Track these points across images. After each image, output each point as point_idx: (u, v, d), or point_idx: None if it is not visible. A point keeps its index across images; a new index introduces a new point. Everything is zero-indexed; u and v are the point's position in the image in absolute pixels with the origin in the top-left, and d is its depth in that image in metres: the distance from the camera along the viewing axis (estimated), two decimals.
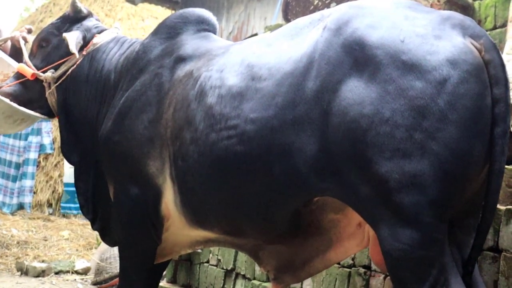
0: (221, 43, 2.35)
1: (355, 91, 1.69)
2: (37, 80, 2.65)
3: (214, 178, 1.95)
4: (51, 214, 8.91)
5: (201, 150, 1.97)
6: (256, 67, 1.94)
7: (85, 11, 2.75)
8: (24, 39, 2.97)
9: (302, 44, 1.89)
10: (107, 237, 2.58)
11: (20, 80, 2.68)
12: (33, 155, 5.31)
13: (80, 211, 4.92)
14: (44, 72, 2.65)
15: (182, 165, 2.05)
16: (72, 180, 4.89)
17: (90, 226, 7.93)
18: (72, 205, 4.85)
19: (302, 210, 1.88)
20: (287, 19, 3.22)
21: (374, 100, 1.64)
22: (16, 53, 3.10)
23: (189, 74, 2.16)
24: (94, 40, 2.66)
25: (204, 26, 2.46)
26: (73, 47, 2.54)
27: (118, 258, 4.79)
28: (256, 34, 7.16)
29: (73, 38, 2.57)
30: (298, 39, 1.95)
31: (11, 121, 2.63)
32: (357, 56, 1.72)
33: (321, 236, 1.95)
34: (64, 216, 8.99)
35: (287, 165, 1.79)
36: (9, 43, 3.26)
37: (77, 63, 2.60)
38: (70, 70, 2.60)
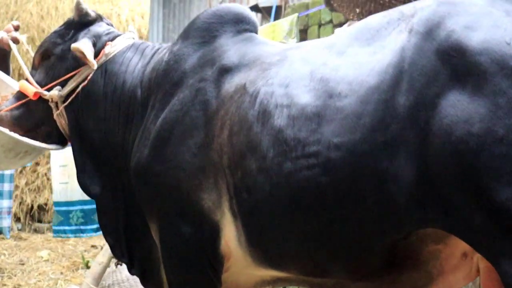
0: (270, 47, 2.33)
1: (459, 106, 1.70)
2: (42, 100, 2.60)
3: (293, 213, 1.95)
4: (20, 230, 8.87)
5: (273, 182, 1.97)
6: (332, 81, 1.94)
7: (92, 14, 2.68)
8: (15, 40, 2.87)
9: (384, 50, 1.89)
10: (151, 282, 2.58)
11: (22, 102, 2.63)
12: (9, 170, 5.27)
13: (78, 234, 4.93)
14: (49, 90, 2.60)
15: (248, 198, 2.05)
16: (64, 199, 4.90)
17: (71, 242, 7.89)
18: (67, 228, 4.85)
19: (398, 244, 1.91)
20: (330, 5, 3.21)
21: (483, 116, 1.66)
22: (2, 59, 3.03)
23: (242, 89, 2.15)
24: (106, 50, 2.60)
25: (244, 26, 2.43)
26: (92, 58, 2.50)
27: (124, 285, 4.79)
28: (257, 5, 7.11)
29: (87, 47, 2.52)
30: (376, 44, 1.95)
31: (13, 155, 2.57)
32: (456, 65, 1.73)
33: (419, 270, 1.98)
34: (36, 231, 8.96)
35: (382, 194, 1.81)
36: None
37: (88, 77, 2.56)
38: (80, 87, 2.56)
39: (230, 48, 2.33)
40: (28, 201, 9.00)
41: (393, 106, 1.80)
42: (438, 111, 1.73)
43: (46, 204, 9.06)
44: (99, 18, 2.72)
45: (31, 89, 2.60)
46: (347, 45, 2.02)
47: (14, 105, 2.64)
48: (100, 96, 2.55)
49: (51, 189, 9.00)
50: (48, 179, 9.13)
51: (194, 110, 2.23)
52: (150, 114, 2.39)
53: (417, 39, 1.82)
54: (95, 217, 4.90)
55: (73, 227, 4.89)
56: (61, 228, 4.88)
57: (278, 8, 6.55)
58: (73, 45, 2.52)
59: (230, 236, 2.16)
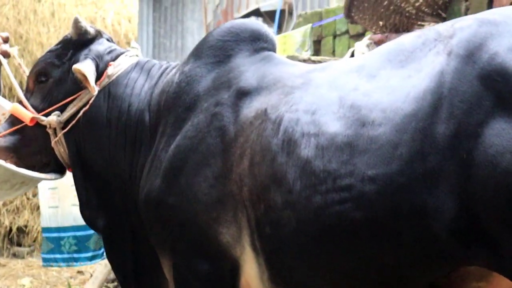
0: (291, 67, 2.34)
1: (505, 136, 1.72)
2: (39, 126, 2.60)
3: (323, 251, 1.97)
4: None
5: (301, 217, 1.98)
6: (364, 108, 1.95)
7: (92, 31, 2.68)
8: (4, 53, 2.86)
9: (420, 74, 1.91)
10: None
11: (16, 127, 2.62)
12: None
13: (71, 263, 4.91)
14: (46, 115, 2.60)
15: (272, 234, 2.06)
16: (54, 224, 4.88)
17: (54, 268, 7.87)
18: (59, 256, 4.83)
19: (438, 283, 1.93)
20: (351, 17, 3.25)
21: None
22: None
23: (263, 115, 2.16)
24: (109, 71, 2.60)
25: (261, 44, 2.45)
26: (93, 82, 2.50)
27: None
28: (258, 10, 7.15)
29: (90, 70, 2.52)
30: (410, 67, 1.97)
31: (8, 186, 2.57)
32: (500, 90, 1.75)
33: None
34: (15, 255, 8.92)
35: (420, 231, 1.83)
36: None
37: (90, 102, 2.56)
38: (81, 112, 2.56)
39: (248, 69, 2.35)
40: (6, 223, 8.96)
41: (432, 135, 1.82)
42: (481, 140, 1.75)
43: (26, 226, 9.03)
44: (99, 34, 2.72)
45: (27, 114, 2.60)
46: (378, 67, 2.04)
47: (8, 131, 2.63)
48: (103, 121, 2.55)
49: (31, 209, 8.97)
50: (28, 198, 9.09)
51: (210, 136, 2.24)
52: (161, 141, 2.39)
53: (457, 63, 1.84)
54: (90, 243, 4.88)
55: (66, 255, 4.86)
56: (52, 256, 4.85)
57: (282, 12, 6.58)
58: (75, 66, 2.52)
59: (251, 273, 2.17)
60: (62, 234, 4.85)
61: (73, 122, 2.56)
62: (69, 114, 2.57)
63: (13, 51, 2.88)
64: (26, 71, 2.89)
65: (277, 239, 2.05)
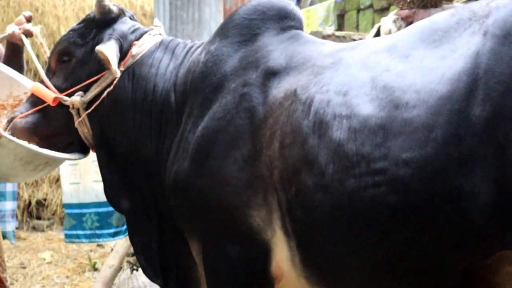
0: (319, 46, 2.32)
1: None
2: (61, 106, 2.60)
3: (356, 235, 1.96)
4: (17, 228, 8.92)
5: (334, 201, 1.97)
6: (397, 89, 1.93)
7: (115, 9, 2.65)
8: (27, 32, 2.86)
9: (454, 55, 1.89)
10: None
11: (38, 108, 2.62)
12: None
13: (94, 239, 4.95)
14: (69, 95, 2.59)
15: (303, 217, 2.06)
16: (76, 201, 4.92)
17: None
18: (81, 232, 4.88)
19: (473, 266, 1.93)
20: None
21: None
22: (15, 56, 3.03)
23: (293, 95, 2.14)
24: (134, 50, 2.58)
25: (289, 23, 2.43)
26: (115, 66, 2.47)
27: None
28: None
29: (113, 53, 2.48)
30: (445, 47, 1.94)
31: (32, 167, 2.58)
32: None
33: None
34: (34, 229, 9.01)
35: (456, 215, 1.81)
36: (2, 46, 3.18)
37: (114, 82, 2.54)
38: (105, 92, 2.54)
39: (275, 48, 2.33)
40: (26, 196, 9.02)
41: (468, 118, 1.80)
42: None
43: (45, 200, 9.09)
44: (122, 13, 2.69)
45: (50, 94, 2.59)
46: (411, 47, 2.01)
47: (30, 111, 2.63)
48: (128, 102, 2.54)
49: (49, 183, 9.03)
50: None
51: (239, 118, 2.23)
52: (188, 122, 2.39)
53: (493, 43, 1.81)
54: (112, 220, 4.91)
55: (88, 232, 4.90)
56: (74, 232, 4.89)
57: None
58: (98, 48, 2.50)
59: (282, 256, 2.17)
60: (84, 211, 4.88)
61: (97, 102, 2.55)
62: (93, 94, 2.56)
63: (36, 30, 2.88)
64: (47, 51, 2.88)
65: (309, 223, 2.05)
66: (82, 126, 2.60)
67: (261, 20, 2.41)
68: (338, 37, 4.19)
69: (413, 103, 1.89)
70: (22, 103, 2.82)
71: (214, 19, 8.89)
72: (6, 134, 2.49)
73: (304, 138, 2.05)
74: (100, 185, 2.70)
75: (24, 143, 2.51)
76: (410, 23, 3.57)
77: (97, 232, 4.93)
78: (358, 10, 5.40)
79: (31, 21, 2.92)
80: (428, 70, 1.91)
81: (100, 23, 2.64)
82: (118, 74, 2.48)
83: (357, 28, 5.34)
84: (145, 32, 2.67)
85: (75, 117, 2.60)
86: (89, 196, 4.91)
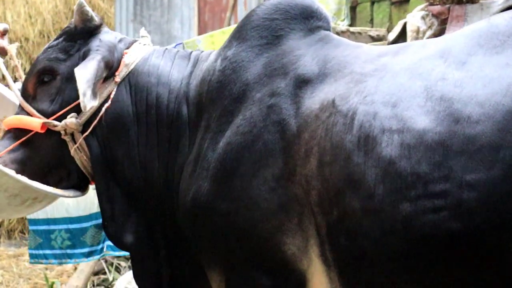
0: (355, 49, 2.31)
1: None
2: (50, 134, 2.53)
3: (411, 265, 1.96)
4: None
5: (385, 226, 1.97)
6: (456, 101, 1.93)
7: (97, 19, 2.63)
8: (1, 50, 2.78)
9: None
10: None
11: (21, 140, 2.53)
12: None
13: (64, 260, 4.88)
14: (59, 119, 2.52)
15: (348, 245, 2.05)
16: (43, 216, 4.84)
17: (27, 258, 7.84)
18: (49, 252, 4.79)
19: None
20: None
21: None
22: None
23: (330, 107, 2.13)
24: (126, 59, 2.56)
25: (316, 23, 2.42)
26: (85, 99, 2.36)
27: None
28: None
29: (88, 79, 2.38)
30: (508, 54, 1.94)
31: (18, 201, 2.50)
32: None
33: None
34: None
35: None
36: None
37: (111, 96, 2.51)
38: (103, 109, 2.50)
39: (305, 53, 2.32)
40: None
41: None
42: None
43: None
44: (102, 23, 2.68)
45: (36, 120, 2.51)
46: (468, 53, 2.02)
47: (12, 145, 2.55)
48: (129, 117, 2.51)
49: None
50: None
51: (268, 132, 2.21)
52: (205, 137, 2.36)
53: None
54: (86, 238, 4.85)
55: (57, 251, 4.82)
56: (40, 252, 4.81)
57: None
58: (75, 70, 2.43)
59: None
60: (53, 227, 4.80)
61: (95, 122, 2.50)
62: (89, 113, 2.50)
63: (12, 48, 2.80)
64: (22, 75, 2.79)
65: (354, 251, 2.04)
66: (80, 153, 2.54)
67: (284, 20, 2.40)
68: (353, 33, 4.20)
69: (476, 117, 1.89)
70: None
71: (186, 4, 8.85)
72: None
73: (348, 155, 2.04)
74: (71, 199, 2.63)
75: (11, 172, 2.43)
76: (444, 21, 3.59)
77: (69, 251, 4.85)
78: (373, 2, 5.40)
79: (6, 34, 2.83)
80: (490, 80, 1.92)
81: (83, 32, 2.60)
82: (87, 108, 2.39)
83: (371, 22, 5.34)
84: (134, 42, 2.67)
85: (69, 144, 2.53)
86: (58, 211, 4.84)
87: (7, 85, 2.86)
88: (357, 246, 2.04)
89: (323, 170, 2.09)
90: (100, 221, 4.83)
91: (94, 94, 2.41)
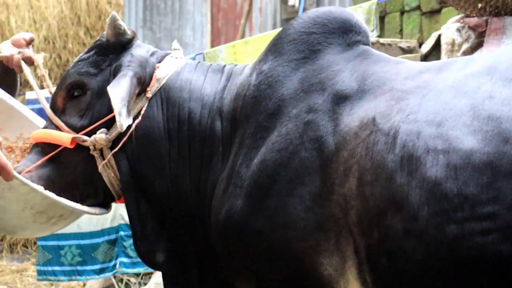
0: (395, 65, 2.34)
1: None
2: (79, 149, 2.56)
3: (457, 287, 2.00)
4: None
5: (430, 249, 1.99)
6: (505, 120, 1.95)
7: (129, 32, 2.65)
8: (28, 60, 2.83)
9: None
10: None
11: (49, 156, 2.56)
12: None
13: (74, 277, 4.91)
14: (88, 135, 2.55)
15: (389, 267, 2.07)
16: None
17: (30, 273, 7.86)
18: (58, 268, 4.82)
19: None
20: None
21: None
22: (8, 74, 2.99)
23: (371, 124, 2.16)
24: (158, 74, 2.60)
25: (355, 37, 2.45)
26: (121, 119, 2.40)
27: None
28: None
29: (123, 97, 2.42)
30: None
31: (44, 219, 2.52)
32: None
33: None
34: None
35: None
36: None
37: (142, 112, 2.55)
38: (134, 125, 2.53)
39: (343, 68, 2.35)
40: None
41: None
42: None
43: None
44: (135, 36, 2.71)
45: (65, 135, 2.55)
46: None
47: (39, 162, 2.58)
48: (160, 134, 2.54)
49: None
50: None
51: (305, 149, 2.24)
52: (239, 153, 2.39)
53: None
54: (97, 254, 4.88)
55: (67, 268, 4.84)
56: (49, 268, 4.84)
57: None
58: (108, 88, 2.47)
59: None
60: (63, 243, 4.83)
61: (125, 138, 2.52)
62: (129, 124, 2.49)
63: (39, 58, 2.84)
64: (50, 85, 2.85)
65: (396, 273, 2.07)
66: (108, 170, 2.56)
67: (322, 34, 2.43)
68: (382, 44, 4.23)
69: None
70: None
71: (198, 10, 8.88)
72: (19, 175, 2.42)
73: (390, 175, 2.06)
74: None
75: (39, 188, 2.45)
76: (481, 33, 3.61)
77: (79, 268, 4.88)
78: (402, 12, 5.44)
79: (32, 43, 2.87)
80: None
81: (115, 47, 2.63)
82: (123, 128, 2.43)
83: (400, 33, 5.37)
84: (166, 55, 2.70)
85: (98, 160, 2.56)
86: (68, 226, 4.87)
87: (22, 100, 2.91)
88: (399, 268, 2.06)
89: (363, 189, 2.11)
90: (113, 236, 4.90)
91: (129, 112, 2.45)
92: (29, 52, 2.83)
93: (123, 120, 2.41)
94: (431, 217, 1.99)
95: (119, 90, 2.45)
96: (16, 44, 2.86)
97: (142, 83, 2.56)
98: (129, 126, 2.51)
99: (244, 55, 5.09)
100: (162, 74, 2.60)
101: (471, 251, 1.94)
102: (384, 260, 2.08)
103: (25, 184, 2.42)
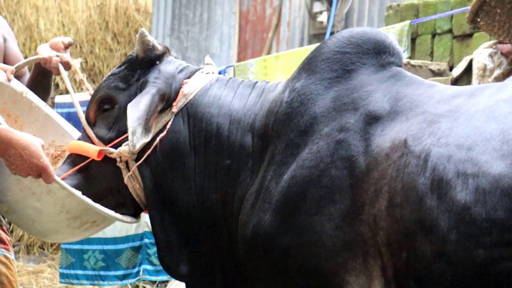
0: (428, 88, 2.36)
1: None
2: (107, 161, 2.62)
3: None
4: None
5: (458, 272, 2.02)
6: None
7: (159, 47, 2.71)
8: (65, 64, 2.89)
9: None
10: None
11: (80, 166, 2.64)
12: None
13: (97, 282, 4.94)
14: (115, 147, 2.61)
15: None
16: None
17: (46, 275, 7.86)
18: (81, 272, 4.86)
19: None
20: (476, 22, 3.29)
21: None
22: (43, 78, 3.05)
23: (402, 146, 2.19)
24: (185, 89, 2.63)
25: (388, 58, 2.48)
26: (134, 140, 2.47)
27: None
28: None
29: (139, 117, 2.47)
30: None
31: (77, 224, 2.60)
32: None
33: None
34: None
35: None
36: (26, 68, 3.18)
37: (167, 126, 2.59)
38: (158, 139, 2.58)
39: (376, 89, 2.38)
40: None
41: None
42: None
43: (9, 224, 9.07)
44: (167, 51, 2.74)
45: (93, 147, 2.62)
46: None
47: (69, 172, 2.65)
48: (186, 148, 2.59)
49: None
50: None
51: (335, 168, 2.27)
52: (268, 169, 2.43)
53: None
54: (121, 260, 4.92)
55: (89, 272, 4.88)
56: (72, 272, 4.88)
57: None
58: (128, 107, 2.53)
59: None
60: (86, 247, 4.87)
61: (149, 151, 2.57)
62: (143, 142, 2.55)
63: (76, 64, 2.90)
64: (89, 88, 2.91)
65: None
66: (133, 181, 2.61)
67: (356, 54, 2.47)
68: (413, 66, 4.27)
69: None
70: (64, 154, 2.87)
71: (227, 22, 8.90)
72: (59, 179, 2.50)
73: (420, 198, 2.09)
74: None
75: (78, 193, 2.52)
76: None
77: (102, 273, 4.92)
78: (434, 35, 5.48)
79: (70, 47, 2.93)
80: None
81: (144, 62, 2.69)
82: (136, 147, 2.49)
83: (431, 55, 5.40)
84: (196, 70, 2.73)
85: (124, 172, 2.62)
86: None
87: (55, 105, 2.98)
88: None
89: (393, 211, 2.14)
90: (137, 243, 4.95)
91: (147, 129, 2.51)
92: (67, 56, 2.90)
93: (136, 140, 2.47)
94: (459, 241, 2.01)
95: (136, 109, 2.50)
96: (54, 48, 2.92)
97: (167, 99, 2.60)
98: (154, 139, 2.57)
99: (274, 70, 5.12)
100: (190, 89, 2.63)
101: (499, 276, 1.97)
102: (412, 282, 2.11)
103: (64, 188, 2.49)
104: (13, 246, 8.97)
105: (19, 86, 2.89)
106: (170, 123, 2.60)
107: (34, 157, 2.37)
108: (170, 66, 2.69)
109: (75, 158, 2.68)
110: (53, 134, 2.96)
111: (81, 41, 9.40)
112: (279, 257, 2.33)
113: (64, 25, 9.39)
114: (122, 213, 2.67)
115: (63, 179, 2.58)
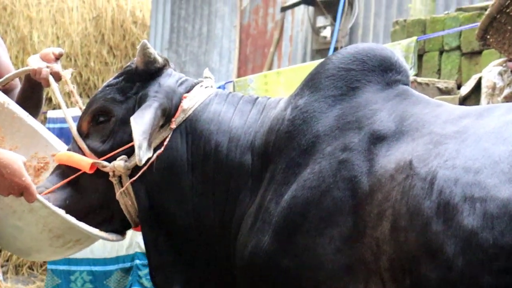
0: (435, 108, 2.36)
1: None
2: (98, 175, 2.60)
3: None
4: None
5: None
6: None
7: (160, 60, 2.68)
8: (55, 75, 2.87)
9: None
10: None
11: (69, 178, 2.62)
12: None
13: None
14: (109, 161, 2.59)
15: None
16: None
17: None
18: None
19: None
20: (485, 39, 3.29)
21: None
22: (34, 91, 3.03)
23: (407, 168, 2.18)
24: (184, 104, 2.61)
25: (394, 76, 2.47)
26: (140, 154, 2.44)
27: None
28: None
29: (144, 131, 2.45)
30: None
31: (60, 243, 2.58)
32: None
33: None
34: None
35: None
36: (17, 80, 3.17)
37: (165, 143, 2.58)
38: (155, 155, 2.55)
39: (381, 108, 2.37)
40: None
41: None
42: None
43: None
44: (167, 64, 2.72)
45: (85, 160, 2.60)
46: None
47: (58, 184, 2.63)
48: (183, 166, 2.57)
49: None
50: None
51: (338, 189, 2.26)
52: (268, 189, 2.42)
53: None
54: (110, 282, 4.88)
55: None
56: None
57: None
58: (131, 119, 2.51)
59: None
60: (74, 268, 4.84)
61: (144, 168, 2.54)
62: (148, 157, 2.52)
63: (66, 74, 2.88)
64: (79, 100, 2.90)
65: None
66: (125, 198, 2.60)
67: (361, 71, 2.46)
68: (420, 83, 4.25)
69: None
70: (47, 166, 2.86)
71: (227, 36, 8.92)
72: (42, 198, 2.48)
73: (426, 222, 2.08)
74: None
75: (61, 212, 2.49)
76: None
77: None
78: (441, 52, 5.49)
79: (60, 58, 2.91)
80: None
81: (143, 75, 2.66)
82: (142, 161, 2.46)
83: (438, 72, 5.40)
84: (196, 84, 2.72)
85: (116, 187, 2.60)
86: (81, 251, 4.89)
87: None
88: None
89: (397, 235, 2.13)
90: (127, 265, 4.92)
91: (150, 145, 2.50)
92: (57, 67, 2.87)
93: (142, 154, 2.45)
94: (466, 267, 2.00)
95: (141, 123, 2.48)
96: (45, 58, 2.89)
97: (167, 114, 2.59)
98: (150, 156, 2.53)
99: (276, 86, 5.11)
100: (189, 104, 2.62)
101: None
102: None
103: (46, 207, 2.47)
104: (1, 267, 9.00)
105: (1, 97, 2.86)
106: (168, 139, 2.58)
107: (16, 175, 2.36)
108: (170, 79, 2.68)
109: (64, 170, 2.66)
110: (36, 145, 2.93)
111: (76, 54, 9.39)
112: (278, 279, 2.32)
113: (59, 37, 9.38)
114: (107, 230, 2.65)
115: (51, 191, 2.57)
